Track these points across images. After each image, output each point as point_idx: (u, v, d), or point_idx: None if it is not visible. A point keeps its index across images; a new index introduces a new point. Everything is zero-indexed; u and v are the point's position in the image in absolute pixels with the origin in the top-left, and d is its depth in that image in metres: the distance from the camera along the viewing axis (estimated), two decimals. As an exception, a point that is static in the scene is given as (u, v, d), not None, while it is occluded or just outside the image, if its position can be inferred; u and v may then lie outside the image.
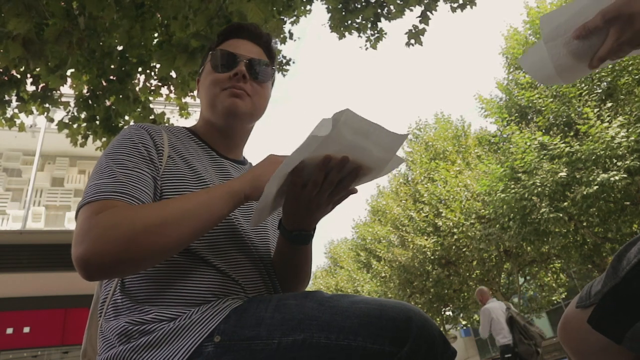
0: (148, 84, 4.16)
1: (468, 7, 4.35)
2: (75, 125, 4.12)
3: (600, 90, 10.40)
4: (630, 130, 9.05)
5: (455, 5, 4.34)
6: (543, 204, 9.94)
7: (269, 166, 0.82)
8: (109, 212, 0.72)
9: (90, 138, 4.08)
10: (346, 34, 4.84)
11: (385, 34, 4.85)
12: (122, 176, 0.79)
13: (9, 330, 6.30)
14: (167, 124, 2.31)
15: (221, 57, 0.98)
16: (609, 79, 10.24)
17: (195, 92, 4.62)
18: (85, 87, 3.92)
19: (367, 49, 4.95)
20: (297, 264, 0.96)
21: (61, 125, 4.10)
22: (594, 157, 9.23)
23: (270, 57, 1.06)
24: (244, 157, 1.10)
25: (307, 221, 0.86)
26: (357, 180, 0.81)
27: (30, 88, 3.81)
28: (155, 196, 0.83)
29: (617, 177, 8.77)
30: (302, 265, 0.97)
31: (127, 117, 4.01)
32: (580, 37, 0.77)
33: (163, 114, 4.34)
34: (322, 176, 0.77)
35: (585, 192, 9.17)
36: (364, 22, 4.76)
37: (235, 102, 0.94)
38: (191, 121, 6.37)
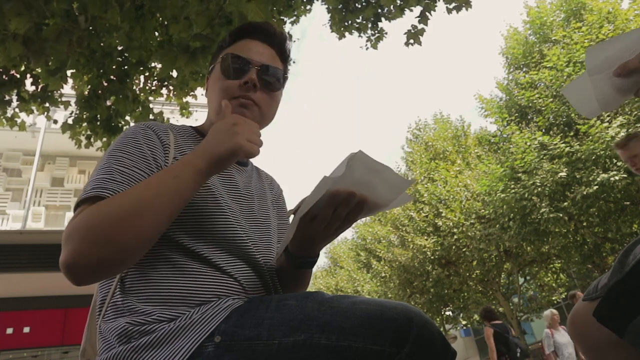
0: (148, 84, 4.16)
1: (464, 9, 4.34)
2: (77, 126, 4.12)
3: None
4: (630, 130, 9.04)
5: (451, 6, 4.33)
6: (543, 204, 9.94)
7: (226, 136, 0.80)
8: (85, 212, 0.73)
9: (92, 139, 4.08)
10: (346, 34, 4.84)
11: (386, 33, 4.85)
12: (117, 174, 0.79)
13: (9, 330, 6.29)
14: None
15: (232, 61, 0.94)
16: (609, 79, 10.23)
17: (203, 91, 4.64)
18: (87, 88, 3.92)
19: (367, 48, 4.95)
20: (298, 283, 1.00)
21: (65, 127, 4.10)
22: (594, 157, 9.23)
23: (283, 59, 1.03)
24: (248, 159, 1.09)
25: (313, 249, 0.90)
26: (362, 213, 0.83)
27: (30, 88, 3.81)
28: None
29: (617, 177, 8.77)
30: (302, 284, 1.01)
31: (127, 117, 4.01)
32: (622, 75, 0.76)
33: (161, 113, 4.35)
34: (331, 211, 0.80)
35: (585, 192, 9.17)
36: (364, 22, 4.76)
37: (242, 113, 0.93)
38: (191, 121, 6.37)
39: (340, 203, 0.79)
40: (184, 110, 4.75)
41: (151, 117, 4.09)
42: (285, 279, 0.98)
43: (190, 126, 1.03)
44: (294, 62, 5.02)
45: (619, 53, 0.77)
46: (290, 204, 1.22)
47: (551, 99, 10.76)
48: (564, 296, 17.00)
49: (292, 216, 0.85)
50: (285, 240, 0.84)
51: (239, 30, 1.01)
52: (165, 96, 4.45)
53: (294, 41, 5.26)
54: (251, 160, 1.11)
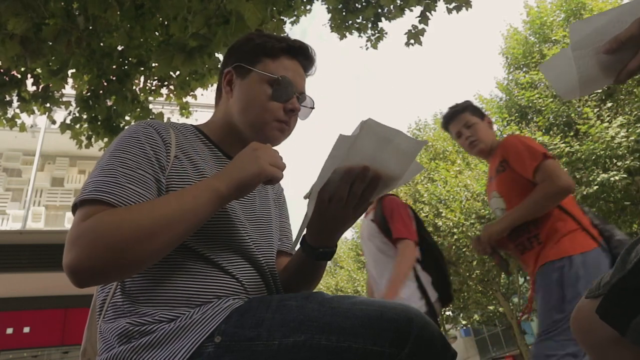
0: (148, 84, 4.16)
1: (464, 8, 4.35)
2: (77, 126, 4.12)
3: (600, 91, 10.41)
4: (630, 130, 9.05)
5: (451, 6, 4.33)
6: (543, 204, 9.93)
7: (247, 161, 0.81)
8: (97, 218, 0.71)
9: (92, 139, 4.08)
10: (347, 34, 4.84)
11: (386, 33, 4.85)
12: (122, 177, 0.78)
13: (9, 330, 6.29)
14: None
15: (286, 87, 0.96)
16: (609, 79, 10.25)
17: (203, 91, 4.60)
18: (86, 88, 3.92)
19: (367, 48, 4.96)
20: (313, 277, 0.99)
21: (63, 127, 4.10)
22: (594, 157, 9.23)
23: None
24: None
25: (332, 237, 0.89)
26: (377, 190, 0.83)
27: (30, 88, 3.81)
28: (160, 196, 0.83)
29: (617, 177, 8.77)
30: (316, 278, 1.00)
31: (127, 118, 4.01)
32: (611, 51, 0.70)
33: (161, 114, 4.34)
34: (347, 189, 0.80)
35: (585, 192, 9.17)
36: (364, 22, 4.76)
37: (279, 137, 0.98)
38: (191, 121, 6.37)
39: (355, 179, 0.79)
40: (183, 110, 4.75)
41: (151, 117, 4.09)
42: (301, 273, 0.97)
43: (192, 124, 1.02)
44: None
45: (606, 27, 0.72)
46: (290, 205, 1.21)
47: (551, 99, 10.76)
48: (564, 296, 16.97)
49: (306, 200, 0.82)
50: (302, 226, 0.83)
51: (290, 46, 0.99)
52: (165, 96, 4.45)
53: None
54: None
